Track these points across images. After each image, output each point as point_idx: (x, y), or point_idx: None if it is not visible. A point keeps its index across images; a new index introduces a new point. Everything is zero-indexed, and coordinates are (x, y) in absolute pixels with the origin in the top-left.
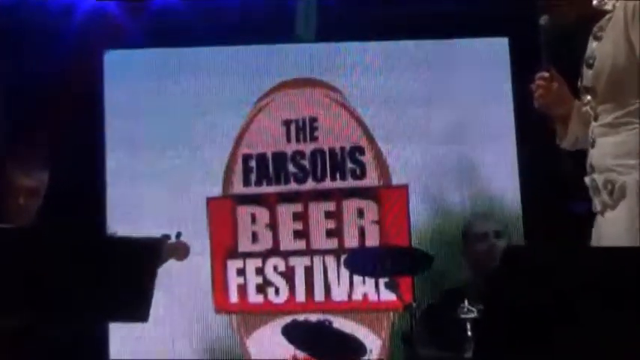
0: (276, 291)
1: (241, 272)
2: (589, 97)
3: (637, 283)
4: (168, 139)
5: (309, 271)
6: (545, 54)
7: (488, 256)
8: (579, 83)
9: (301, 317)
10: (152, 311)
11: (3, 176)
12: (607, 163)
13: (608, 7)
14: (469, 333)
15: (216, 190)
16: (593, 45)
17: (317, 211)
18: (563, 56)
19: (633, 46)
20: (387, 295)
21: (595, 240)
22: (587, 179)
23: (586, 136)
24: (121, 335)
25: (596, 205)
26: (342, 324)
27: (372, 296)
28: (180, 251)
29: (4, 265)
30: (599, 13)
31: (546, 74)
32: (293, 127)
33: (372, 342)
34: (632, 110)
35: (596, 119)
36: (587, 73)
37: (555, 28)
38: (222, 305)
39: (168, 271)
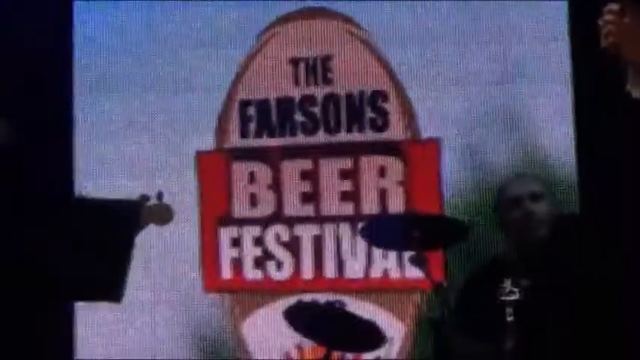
0: (278, 265)
1: (236, 242)
2: None
3: None
4: (150, 80)
5: (318, 242)
6: None
7: (525, 223)
8: None
9: (308, 298)
10: (127, 289)
11: None
12: None
13: None
14: (510, 318)
15: (208, 143)
16: None
17: (329, 169)
18: None
19: None
20: (413, 273)
21: None
22: None
23: None
24: (89, 320)
25: None
26: (358, 307)
27: (395, 273)
28: (162, 215)
29: None
30: None
31: (616, 6)
32: (302, 67)
33: (394, 329)
34: None
35: None
36: None
37: None
38: (212, 283)
39: (147, 240)
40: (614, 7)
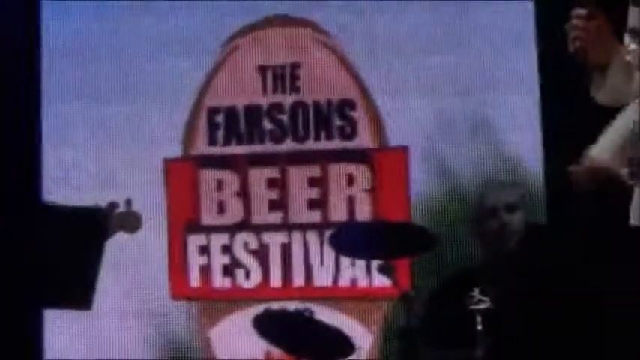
0: (247, 273)
1: (204, 250)
2: (635, 44)
3: None
4: (118, 87)
5: (286, 250)
6: None
7: (499, 234)
8: (627, 25)
9: (276, 305)
10: (96, 297)
11: None
12: None
13: None
14: (479, 327)
15: (176, 150)
16: None
17: (297, 177)
18: None
19: None
20: (381, 281)
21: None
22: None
23: (628, 90)
24: (57, 329)
25: None
26: (326, 315)
27: (363, 281)
28: (131, 222)
29: None
30: None
31: (583, 11)
32: (270, 75)
33: (362, 337)
34: None
35: None
36: (634, 12)
37: None
38: (180, 290)
39: (116, 247)
40: (581, 11)
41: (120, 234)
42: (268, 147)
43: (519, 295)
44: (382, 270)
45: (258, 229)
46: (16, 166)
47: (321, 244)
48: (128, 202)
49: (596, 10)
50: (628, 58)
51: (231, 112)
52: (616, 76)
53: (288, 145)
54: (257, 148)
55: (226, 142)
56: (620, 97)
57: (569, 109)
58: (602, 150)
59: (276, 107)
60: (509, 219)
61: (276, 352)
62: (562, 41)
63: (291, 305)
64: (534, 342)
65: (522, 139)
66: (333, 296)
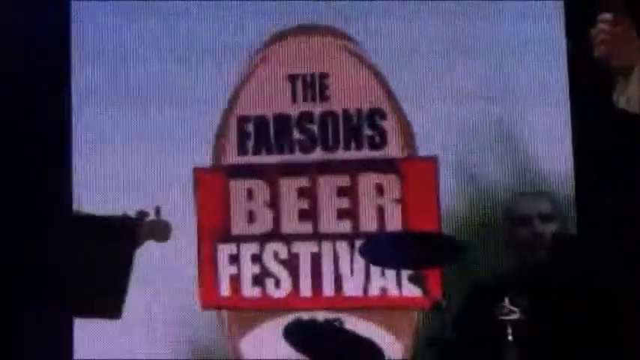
0: (277, 283)
1: (234, 259)
2: None
3: None
4: (148, 95)
5: (316, 260)
6: None
7: (532, 244)
8: None
9: (306, 315)
10: (126, 305)
11: None
12: None
13: None
14: (510, 337)
15: (206, 160)
16: None
17: (327, 186)
18: None
19: None
20: (411, 291)
21: None
22: None
23: None
24: (87, 337)
25: None
26: (356, 324)
27: (393, 291)
28: (161, 231)
29: None
30: None
31: (609, 16)
32: (299, 84)
33: (392, 347)
34: None
35: None
36: None
37: None
38: (210, 300)
39: (146, 256)
40: (607, 16)
41: (150, 242)
42: (298, 156)
43: (549, 305)
44: (412, 280)
45: (289, 239)
46: (47, 174)
47: (351, 253)
48: (157, 211)
49: (622, 15)
50: None
51: (261, 122)
52: (636, 83)
53: (318, 155)
54: (287, 158)
55: (256, 152)
56: (636, 105)
57: (600, 119)
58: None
59: (306, 117)
60: (543, 229)
61: None
62: (592, 50)
63: (322, 315)
64: (564, 353)
65: (553, 150)
66: (363, 306)
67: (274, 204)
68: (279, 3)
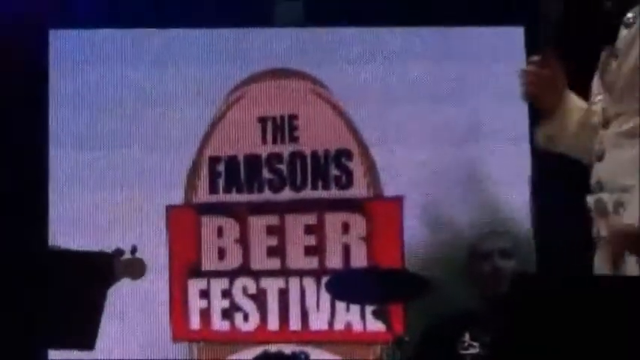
0: (245, 317)
1: (205, 294)
2: (600, 97)
3: None
4: (122, 136)
5: (283, 295)
6: (552, 38)
7: (492, 279)
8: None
9: (274, 348)
10: (99, 338)
11: None
12: (622, 182)
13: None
14: None
15: (178, 198)
16: (623, 33)
17: (295, 224)
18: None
19: None
20: (375, 325)
21: (599, 269)
22: (590, 199)
23: (562, 139)
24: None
25: (600, 230)
26: (321, 358)
27: (357, 326)
28: (135, 268)
29: None
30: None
31: (537, 59)
32: (269, 126)
33: None
34: None
35: (606, 125)
36: (612, 65)
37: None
38: (181, 332)
39: (120, 292)
40: (536, 58)
41: (125, 279)
42: (267, 195)
43: (509, 341)
44: (376, 315)
45: (257, 275)
46: (24, 210)
47: (318, 289)
48: (134, 250)
49: (551, 60)
50: (593, 107)
51: (232, 162)
52: (556, 123)
53: (287, 194)
54: (256, 197)
55: (227, 190)
56: (555, 143)
57: (559, 161)
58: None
59: (275, 157)
60: (503, 264)
61: None
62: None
63: (288, 349)
64: None
65: (515, 190)
66: (328, 340)
67: (243, 241)
68: (251, 47)
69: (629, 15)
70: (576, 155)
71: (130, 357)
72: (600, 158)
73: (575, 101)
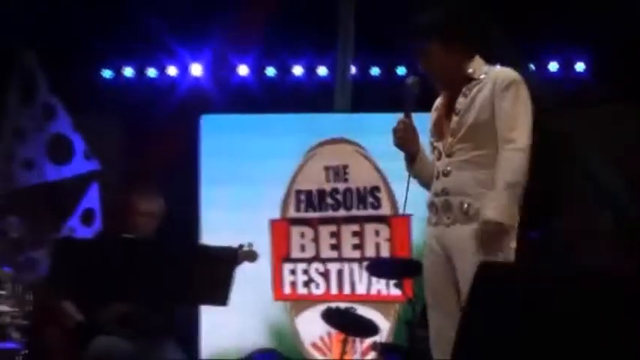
0: (317, 286)
1: (292, 272)
2: (450, 138)
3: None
4: (248, 178)
5: (340, 273)
6: (411, 105)
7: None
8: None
9: (334, 305)
10: (231, 297)
11: (130, 203)
12: (465, 190)
13: (477, 76)
14: None
15: (277, 214)
16: (460, 99)
17: (346, 231)
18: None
19: (494, 106)
20: (395, 291)
21: (439, 245)
22: (435, 199)
23: (424, 167)
24: (208, 319)
25: (442, 218)
26: (363, 310)
27: (384, 292)
28: (251, 256)
29: (129, 263)
30: (467, 79)
31: (407, 120)
32: (331, 172)
33: (383, 324)
34: (485, 154)
35: (451, 155)
36: (454, 119)
37: (419, 86)
38: (278, 295)
39: (242, 269)
40: (406, 120)
41: (245, 262)
42: (330, 213)
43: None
44: (396, 285)
45: (324, 261)
46: (185, 225)
47: (360, 270)
48: (250, 244)
49: (409, 123)
50: (438, 146)
51: (309, 193)
52: (418, 162)
53: (342, 212)
54: (323, 214)
55: (305, 210)
56: (419, 176)
57: None
58: None
59: (334, 190)
60: None
61: (334, 332)
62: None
63: (343, 305)
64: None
65: None
66: (366, 300)
67: (316, 240)
68: (321, 124)
69: (465, 88)
70: (425, 179)
71: (247, 310)
72: (447, 175)
73: (422, 148)
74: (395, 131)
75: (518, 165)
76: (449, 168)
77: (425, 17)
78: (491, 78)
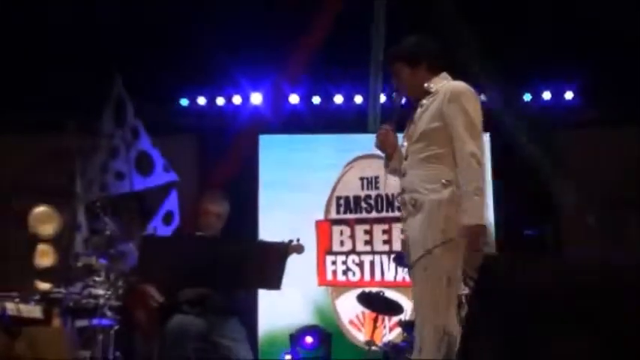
0: (353, 274)
1: (334, 263)
2: (405, 143)
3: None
4: (298, 186)
5: (372, 263)
6: (395, 116)
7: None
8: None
9: (367, 289)
10: (283, 284)
11: (201, 207)
12: (414, 187)
13: (433, 89)
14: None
15: (321, 216)
16: (418, 110)
17: (377, 229)
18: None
19: (443, 115)
20: None
21: (406, 237)
22: (399, 198)
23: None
24: (264, 301)
25: (403, 214)
26: (391, 294)
27: (408, 278)
28: (299, 249)
29: (200, 256)
30: (427, 92)
31: (388, 126)
32: (365, 182)
33: (407, 305)
34: (434, 153)
35: (407, 158)
36: (410, 127)
37: (400, 99)
38: (322, 281)
39: (292, 260)
40: (387, 126)
41: (294, 254)
42: (364, 215)
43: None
44: None
45: (359, 254)
46: (246, 224)
47: (389, 261)
48: (298, 239)
49: (390, 125)
50: (402, 150)
51: (347, 198)
52: (394, 161)
53: (373, 214)
54: (359, 216)
55: (344, 212)
56: (393, 172)
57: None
58: None
59: (368, 196)
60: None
61: (367, 311)
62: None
63: (375, 289)
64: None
65: None
66: (394, 285)
67: (352, 237)
68: (357, 143)
69: (423, 100)
70: (399, 175)
71: (296, 294)
72: (404, 175)
73: (399, 149)
74: (377, 135)
75: (475, 170)
76: (406, 169)
77: (396, 47)
78: (443, 91)
